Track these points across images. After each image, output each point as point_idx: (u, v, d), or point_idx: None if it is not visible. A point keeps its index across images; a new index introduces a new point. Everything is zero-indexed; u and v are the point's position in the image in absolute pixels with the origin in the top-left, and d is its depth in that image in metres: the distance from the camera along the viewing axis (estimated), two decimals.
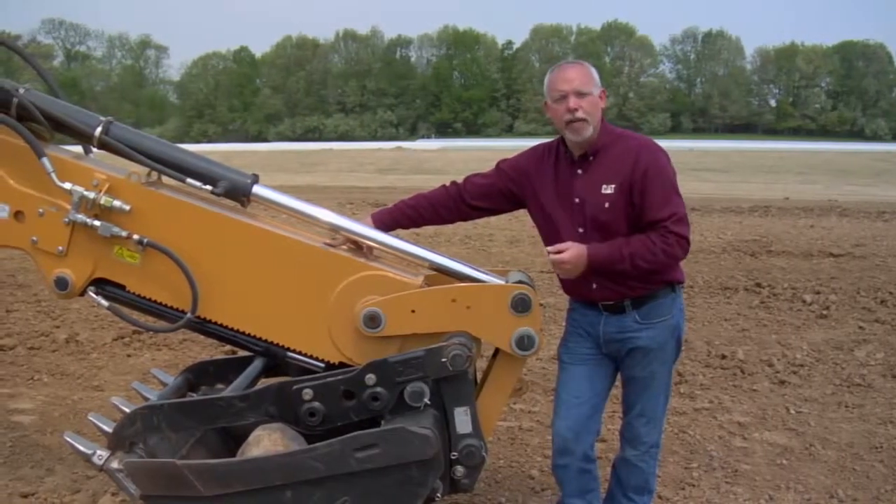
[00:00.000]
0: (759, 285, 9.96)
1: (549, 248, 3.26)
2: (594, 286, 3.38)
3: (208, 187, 3.13)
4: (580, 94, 3.26)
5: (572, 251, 3.20)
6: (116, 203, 3.05)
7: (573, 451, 3.53)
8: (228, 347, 4.88)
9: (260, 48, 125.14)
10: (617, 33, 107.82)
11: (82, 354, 6.91)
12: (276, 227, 3.19)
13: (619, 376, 3.63)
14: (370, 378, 2.99)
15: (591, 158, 3.35)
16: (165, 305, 3.21)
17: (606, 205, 3.27)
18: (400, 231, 3.54)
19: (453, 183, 3.65)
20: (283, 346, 3.22)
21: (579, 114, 3.25)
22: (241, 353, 3.49)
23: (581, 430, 3.51)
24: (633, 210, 3.26)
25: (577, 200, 3.34)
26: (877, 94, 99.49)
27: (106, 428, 3.12)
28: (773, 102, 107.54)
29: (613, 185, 3.26)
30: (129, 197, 3.09)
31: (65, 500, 4.18)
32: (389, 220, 3.54)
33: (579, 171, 3.37)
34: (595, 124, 3.29)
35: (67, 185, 3.04)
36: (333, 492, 2.90)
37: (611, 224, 3.27)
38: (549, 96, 3.37)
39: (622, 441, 3.68)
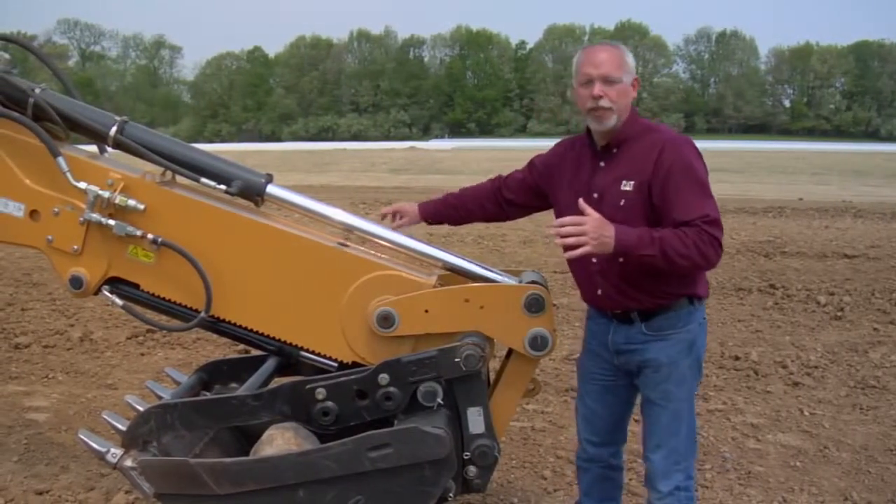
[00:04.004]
0: (773, 286, 9.92)
1: (570, 219, 2.90)
2: (599, 291, 3.22)
3: (222, 187, 3.14)
4: (608, 81, 3.02)
5: (595, 221, 2.86)
6: (131, 202, 3.06)
7: (594, 457, 3.51)
8: (242, 346, 4.90)
9: (273, 48, 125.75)
10: (630, 33, 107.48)
11: (96, 353, 6.95)
12: (290, 226, 3.19)
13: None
14: (383, 378, 2.98)
15: (614, 151, 3.14)
16: (179, 304, 3.22)
17: (623, 202, 3.04)
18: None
19: (498, 176, 3.60)
20: (296, 346, 3.22)
21: (603, 102, 3.01)
22: (255, 352, 3.50)
23: (601, 442, 3.48)
24: (650, 212, 3.02)
25: (595, 195, 3.10)
26: (892, 95, 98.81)
27: (120, 426, 3.13)
28: (787, 103, 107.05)
29: (633, 182, 3.03)
30: (144, 196, 3.10)
31: (79, 498, 4.20)
32: (434, 211, 3.56)
33: (601, 164, 3.16)
34: (621, 114, 3.06)
35: (82, 185, 3.05)
36: (346, 491, 2.90)
37: (626, 223, 2.95)
38: (575, 79, 3.14)
39: (646, 484, 3.36)
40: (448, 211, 3.59)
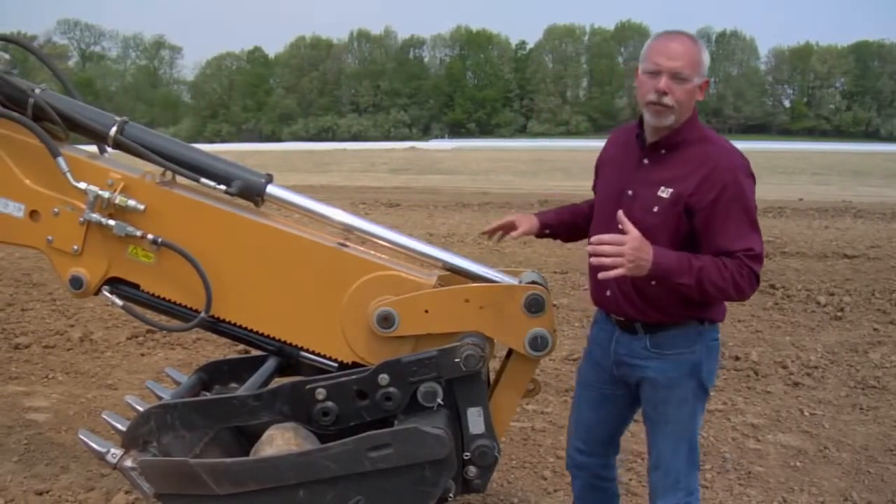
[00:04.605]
0: (773, 287, 9.92)
1: (609, 237, 2.75)
2: (608, 293, 3.10)
3: (222, 187, 3.14)
4: (677, 78, 2.80)
5: (635, 241, 2.71)
6: (131, 202, 3.06)
7: (581, 466, 3.46)
8: (242, 346, 4.90)
9: (273, 48, 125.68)
10: (630, 33, 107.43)
11: (96, 353, 6.95)
12: (290, 226, 3.19)
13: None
14: (383, 378, 2.98)
15: (662, 151, 2.95)
16: (179, 305, 3.22)
17: (655, 209, 2.88)
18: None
19: None
20: (296, 346, 3.22)
21: (666, 100, 2.81)
22: (255, 352, 3.50)
23: (589, 452, 3.41)
24: (681, 224, 2.87)
25: (630, 192, 2.97)
26: (892, 95, 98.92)
27: (120, 426, 3.12)
28: (787, 103, 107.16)
29: (671, 191, 2.86)
30: (144, 196, 3.10)
31: (79, 498, 4.20)
32: (553, 222, 3.39)
33: (645, 161, 2.98)
34: (680, 116, 2.87)
35: (82, 185, 3.05)
36: (346, 491, 2.90)
37: (652, 232, 2.80)
38: (642, 64, 2.90)
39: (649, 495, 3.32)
40: (564, 218, 3.39)
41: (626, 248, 2.69)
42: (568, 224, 3.44)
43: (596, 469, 3.44)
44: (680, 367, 3.03)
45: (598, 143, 3.48)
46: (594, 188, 3.34)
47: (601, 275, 2.76)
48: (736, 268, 2.76)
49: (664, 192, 2.89)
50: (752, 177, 2.90)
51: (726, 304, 3.10)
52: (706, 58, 2.89)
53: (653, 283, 2.87)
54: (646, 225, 2.83)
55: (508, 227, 3.38)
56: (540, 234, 3.42)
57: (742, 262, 2.77)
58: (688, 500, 3.15)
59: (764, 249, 2.86)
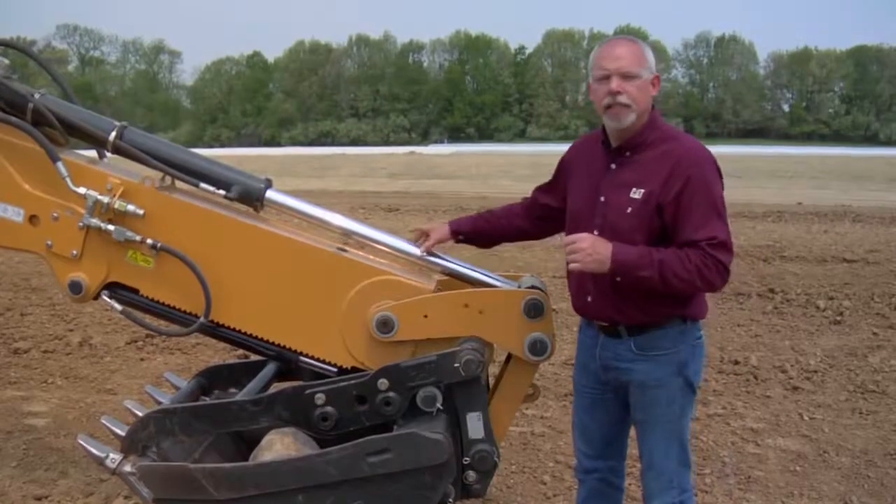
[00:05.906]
0: (772, 291, 9.92)
1: (567, 238, 2.90)
2: (589, 299, 3.09)
3: (221, 192, 3.15)
4: (626, 77, 2.87)
5: (591, 238, 2.85)
6: (130, 207, 3.06)
7: (590, 469, 3.43)
8: (241, 351, 4.89)
9: (273, 53, 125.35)
10: None
11: (96, 358, 6.94)
12: (289, 231, 3.20)
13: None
14: (383, 383, 2.98)
15: (627, 154, 2.99)
16: (179, 309, 3.22)
17: (629, 210, 2.91)
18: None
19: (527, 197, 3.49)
20: (295, 351, 3.22)
21: (621, 98, 2.87)
22: (254, 357, 3.50)
23: (596, 455, 3.38)
24: (656, 223, 2.89)
25: (602, 198, 3.00)
26: (891, 99, 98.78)
27: (119, 431, 3.13)
28: (786, 107, 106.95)
29: (642, 191, 2.89)
30: (143, 201, 3.10)
31: (77, 503, 4.19)
32: (463, 228, 3.40)
33: (612, 166, 3.02)
34: (640, 112, 2.92)
35: (82, 190, 3.06)
36: (346, 496, 2.90)
37: (628, 233, 2.89)
38: (591, 74, 2.99)
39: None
40: (479, 226, 3.43)
41: (581, 244, 2.83)
42: (484, 233, 3.48)
43: (604, 473, 3.41)
44: (666, 366, 3.04)
45: None
46: (544, 188, 3.41)
47: (570, 266, 2.90)
48: (700, 258, 2.79)
49: (636, 193, 2.92)
50: (717, 170, 2.94)
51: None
52: (650, 54, 2.97)
53: (617, 279, 2.91)
54: (622, 228, 2.92)
55: (421, 236, 3.39)
56: (455, 241, 3.45)
57: (705, 251, 2.79)
58: (681, 499, 3.16)
59: (731, 239, 2.87)
